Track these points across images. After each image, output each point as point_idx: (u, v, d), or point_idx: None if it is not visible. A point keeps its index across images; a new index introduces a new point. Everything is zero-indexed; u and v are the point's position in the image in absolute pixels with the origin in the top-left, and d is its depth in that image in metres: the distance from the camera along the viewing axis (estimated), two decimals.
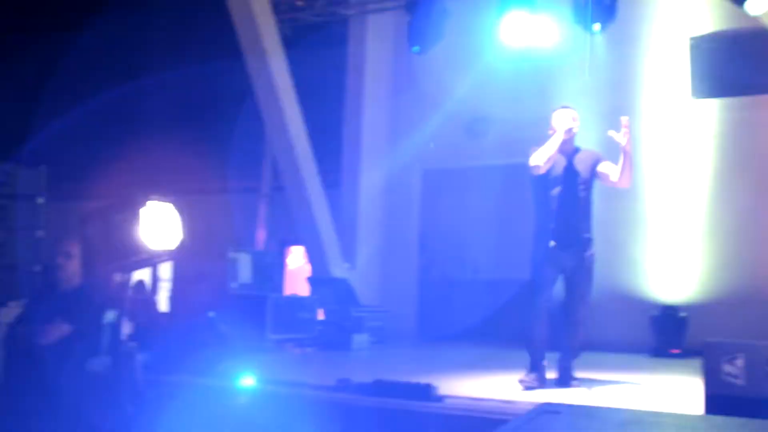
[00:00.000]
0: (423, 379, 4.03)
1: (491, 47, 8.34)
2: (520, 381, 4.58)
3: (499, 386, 4.66)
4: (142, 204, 3.63)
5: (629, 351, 7.44)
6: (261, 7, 8.23)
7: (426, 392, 3.84)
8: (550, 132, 4.77)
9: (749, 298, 7.39)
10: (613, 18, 7.33)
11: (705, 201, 7.83)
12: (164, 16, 10.73)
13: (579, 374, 4.78)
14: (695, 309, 7.50)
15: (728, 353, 3.11)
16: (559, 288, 4.88)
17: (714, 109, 7.94)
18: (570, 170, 4.67)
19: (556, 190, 4.69)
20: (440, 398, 3.86)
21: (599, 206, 8.16)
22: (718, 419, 2.49)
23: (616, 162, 4.75)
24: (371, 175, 9.51)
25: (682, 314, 7.50)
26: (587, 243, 4.73)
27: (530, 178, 4.78)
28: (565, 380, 4.69)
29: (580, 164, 4.72)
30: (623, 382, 5.13)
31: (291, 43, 8.94)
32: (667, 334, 7.46)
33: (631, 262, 8.01)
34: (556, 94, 8.47)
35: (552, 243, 4.64)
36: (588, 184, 4.75)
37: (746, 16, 7.36)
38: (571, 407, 2.35)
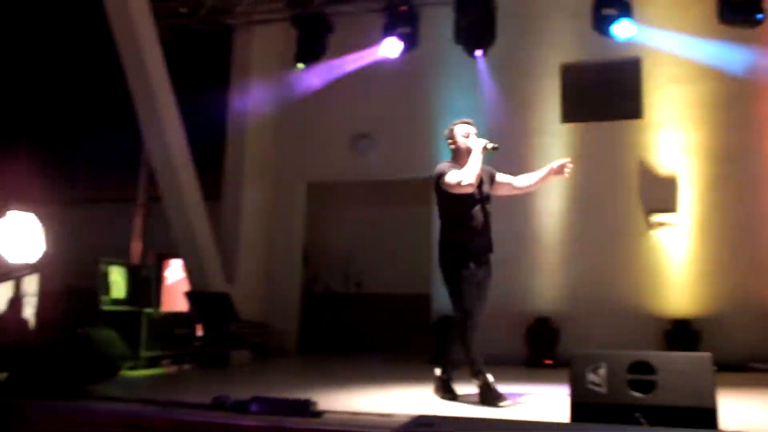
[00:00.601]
0: (303, 395, 3.97)
1: (378, 65, 8.51)
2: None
3: (379, 400, 4.67)
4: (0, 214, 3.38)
5: (505, 362, 7.69)
6: (139, 11, 7.91)
7: (304, 408, 3.79)
8: (452, 145, 4.81)
9: (617, 310, 7.84)
10: (493, 43, 7.61)
11: (574, 218, 8.24)
12: (34, 19, 10.14)
13: (457, 386, 4.87)
14: (567, 321, 7.86)
15: (592, 363, 3.27)
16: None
17: (579, 131, 8.40)
18: (482, 186, 4.71)
19: (476, 207, 4.67)
20: (319, 413, 3.82)
21: None
22: (583, 426, 2.60)
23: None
24: (255, 187, 9.37)
25: (555, 326, 7.84)
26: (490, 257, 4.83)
27: (446, 196, 4.65)
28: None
29: (485, 179, 4.78)
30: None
31: (172, 49, 8.67)
32: (540, 345, 7.78)
33: (509, 274, 8.28)
34: (438, 113, 8.74)
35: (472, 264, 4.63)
36: (491, 198, 4.82)
37: (611, 48, 7.89)
38: (444, 419, 2.38)
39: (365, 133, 9.10)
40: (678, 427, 3.00)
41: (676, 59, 8.11)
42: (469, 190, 4.57)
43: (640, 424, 3.08)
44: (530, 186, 4.90)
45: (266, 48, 9.50)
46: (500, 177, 4.89)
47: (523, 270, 8.21)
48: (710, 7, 7.33)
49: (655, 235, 8.02)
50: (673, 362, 3.32)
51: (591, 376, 3.23)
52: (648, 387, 3.23)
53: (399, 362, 7.93)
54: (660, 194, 8.02)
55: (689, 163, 8.05)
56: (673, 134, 8.14)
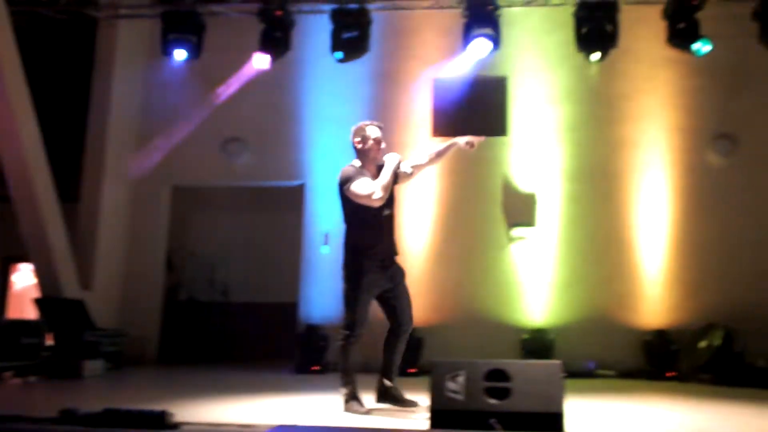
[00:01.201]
0: (159, 406, 3.81)
1: (250, 68, 8.38)
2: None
3: (241, 410, 4.57)
4: None
5: (367, 371, 7.76)
6: None
7: (159, 420, 3.63)
8: (359, 145, 4.63)
9: (478, 320, 8.14)
10: (366, 54, 7.68)
11: (439, 230, 8.47)
12: None
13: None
14: (431, 331, 8.04)
15: (451, 371, 3.36)
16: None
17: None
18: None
19: (385, 211, 4.56)
20: (176, 425, 3.67)
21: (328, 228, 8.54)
22: None
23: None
24: (115, 189, 8.92)
25: (420, 336, 7.99)
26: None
27: (351, 201, 4.49)
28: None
29: None
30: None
31: (29, 39, 8.10)
32: (405, 354, 7.88)
33: None
34: (311, 121, 8.73)
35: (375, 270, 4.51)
36: (394, 199, 4.70)
37: (480, 66, 8.19)
38: (304, 429, 2.35)
39: (236, 137, 8.91)
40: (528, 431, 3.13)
41: (539, 80, 8.56)
42: (377, 204, 4.42)
43: (494, 429, 3.19)
44: (423, 165, 4.80)
45: (132, 43, 9.10)
46: (404, 166, 4.70)
47: None
48: (571, 33, 7.76)
49: (515, 248, 8.40)
50: (526, 370, 3.48)
51: (450, 384, 3.32)
52: (503, 394, 3.36)
53: (264, 372, 7.81)
54: (520, 209, 8.41)
55: (549, 179, 8.49)
56: (534, 152, 8.57)
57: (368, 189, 4.41)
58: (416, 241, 8.45)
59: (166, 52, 8.19)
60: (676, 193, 8.31)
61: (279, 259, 9.41)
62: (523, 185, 8.52)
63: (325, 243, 8.44)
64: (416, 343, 7.93)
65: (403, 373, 7.62)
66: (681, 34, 7.41)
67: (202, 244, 10.11)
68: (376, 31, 7.97)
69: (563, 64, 8.45)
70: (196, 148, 8.97)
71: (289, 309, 8.64)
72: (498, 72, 8.42)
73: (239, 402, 5.06)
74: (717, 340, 7.43)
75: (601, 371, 7.67)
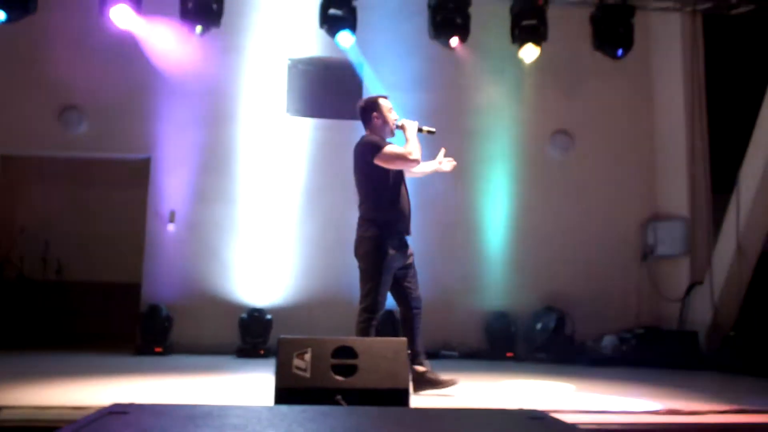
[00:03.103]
0: None
1: (97, 31, 7.81)
2: None
3: (74, 393, 4.30)
4: None
5: (218, 353, 7.60)
6: None
7: None
8: (377, 119, 4.67)
9: (328, 301, 8.14)
10: (218, 24, 7.40)
11: (294, 211, 8.40)
12: None
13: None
14: (280, 311, 7.98)
15: (299, 348, 3.33)
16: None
17: (307, 127, 8.60)
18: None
19: (402, 188, 4.61)
20: None
21: (194, 209, 8.26)
22: (283, 408, 2.63)
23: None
24: None
25: (268, 317, 7.91)
26: None
27: (377, 172, 4.50)
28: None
29: None
30: (209, 382, 5.16)
31: None
32: (253, 335, 7.80)
33: (222, 265, 8.19)
34: (160, 92, 8.32)
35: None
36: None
37: (337, 49, 8.16)
38: (140, 406, 2.24)
39: (73, 105, 8.28)
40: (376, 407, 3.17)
41: (393, 67, 8.68)
42: (413, 167, 4.52)
43: (340, 405, 3.20)
44: (423, 173, 4.88)
45: None
46: None
47: (236, 262, 8.19)
48: (425, 22, 7.90)
49: None
50: (373, 347, 3.51)
51: (297, 361, 3.29)
52: (350, 371, 3.38)
53: (103, 354, 7.42)
54: None
55: None
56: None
57: (405, 150, 4.46)
58: (267, 221, 8.33)
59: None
60: (519, 184, 8.75)
61: (121, 236, 8.93)
62: None
63: (171, 220, 8.12)
64: (265, 324, 7.86)
65: (253, 354, 7.58)
66: (525, 33, 7.73)
67: (34, 218, 9.38)
68: (232, 5, 7.71)
69: (418, 52, 8.59)
70: (28, 115, 8.23)
71: (132, 289, 8.23)
72: (354, 55, 8.45)
73: (73, 385, 4.77)
74: (551, 323, 7.95)
75: (444, 352, 7.95)
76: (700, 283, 8.12)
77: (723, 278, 7.78)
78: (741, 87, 8.28)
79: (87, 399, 3.89)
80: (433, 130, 4.72)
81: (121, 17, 7.19)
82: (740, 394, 5.03)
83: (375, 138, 4.62)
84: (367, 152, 4.52)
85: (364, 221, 4.56)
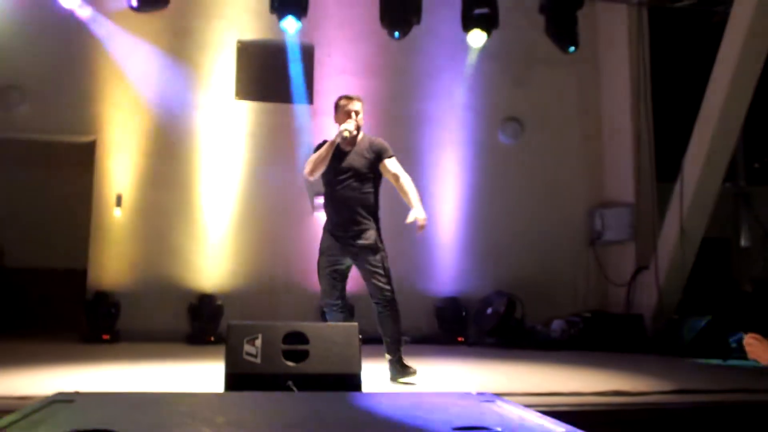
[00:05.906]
0: None
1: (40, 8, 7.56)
2: None
3: (17, 382, 4.18)
4: None
5: (168, 340, 7.48)
6: None
7: None
8: (336, 121, 4.80)
9: (279, 287, 8.10)
10: (164, 5, 7.22)
11: (243, 196, 8.29)
12: None
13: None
14: (231, 297, 7.90)
15: (249, 334, 3.31)
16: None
17: (252, 110, 8.48)
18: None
19: (334, 188, 4.79)
20: None
21: (141, 193, 8.09)
22: (234, 395, 2.61)
23: None
24: None
25: (219, 302, 7.83)
26: None
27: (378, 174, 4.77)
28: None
29: (367, 155, 4.81)
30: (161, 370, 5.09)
31: None
32: (203, 321, 7.70)
33: (171, 250, 8.05)
34: (106, 74, 8.10)
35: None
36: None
37: (285, 30, 8.04)
38: (85, 395, 2.20)
39: (15, 84, 7.98)
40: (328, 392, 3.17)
41: (345, 52, 8.62)
42: (312, 178, 4.67)
43: (291, 390, 3.19)
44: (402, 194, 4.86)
45: None
46: (387, 162, 4.77)
47: (185, 247, 8.06)
48: (376, 8, 7.82)
49: (318, 217, 8.43)
50: (324, 332, 3.51)
51: (247, 347, 3.27)
52: (301, 356, 3.37)
53: (48, 342, 7.24)
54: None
55: None
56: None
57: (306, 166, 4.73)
58: (221, 205, 8.21)
59: None
60: (469, 170, 8.81)
61: (66, 221, 8.69)
62: None
63: (118, 205, 7.93)
64: (216, 309, 7.77)
65: (203, 341, 7.48)
66: (476, 20, 7.75)
67: None
68: None
69: (369, 38, 8.53)
70: None
71: (77, 275, 8.03)
72: (304, 39, 8.36)
73: (17, 374, 4.63)
74: (501, 307, 8.05)
75: (403, 338, 7.95)
76: (646, 267, 8.33)
77: (667, 263, 8.00)
78: (685, 78, 8.51)
79: (31, 388, 3.78)
80: (346, 134, 4.64)
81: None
82: (683, 375, 5.19)
83: (322, 141, 4.74)
84: (387, 151, 4.81)
85: (375, 216, 4.87)
